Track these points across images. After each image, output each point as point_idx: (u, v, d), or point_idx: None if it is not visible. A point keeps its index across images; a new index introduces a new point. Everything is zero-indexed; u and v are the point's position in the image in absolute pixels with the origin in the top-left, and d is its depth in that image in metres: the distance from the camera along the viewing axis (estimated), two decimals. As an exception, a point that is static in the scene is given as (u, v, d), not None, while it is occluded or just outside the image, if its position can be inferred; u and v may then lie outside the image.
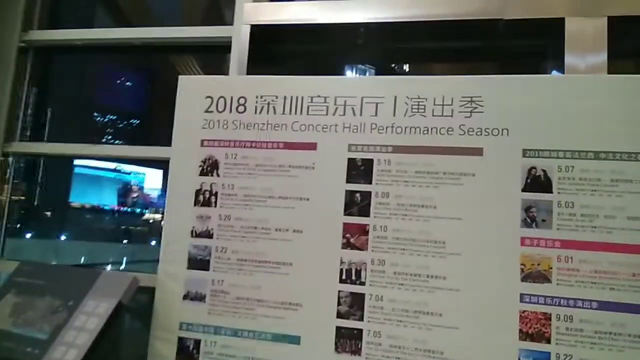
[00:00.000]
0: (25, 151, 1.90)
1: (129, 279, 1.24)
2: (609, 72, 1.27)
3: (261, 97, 1.30)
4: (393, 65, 1.61)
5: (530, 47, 1.47)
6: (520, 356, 1.05)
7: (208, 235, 1.28)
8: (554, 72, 1.38)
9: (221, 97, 1.33)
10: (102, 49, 1.97)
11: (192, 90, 1.37)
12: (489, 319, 1.08)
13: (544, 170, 1.11)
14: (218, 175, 1.30)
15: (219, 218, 1.28)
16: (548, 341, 1.04)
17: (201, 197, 1.30)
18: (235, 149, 1.30)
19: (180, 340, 1.25)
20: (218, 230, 1.27)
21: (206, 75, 1.59)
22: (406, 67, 1.64)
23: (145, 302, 1.36)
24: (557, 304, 1.05)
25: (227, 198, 1.29)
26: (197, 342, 1.24)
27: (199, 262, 1.27)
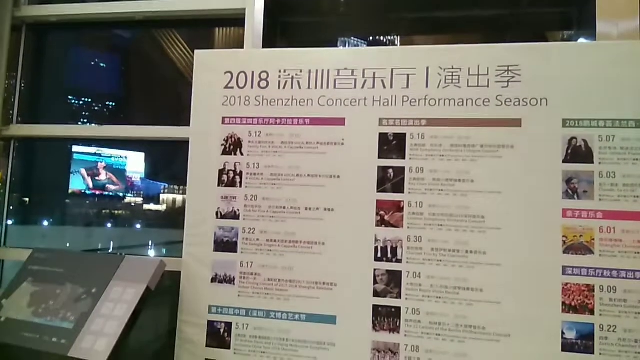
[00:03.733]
0: (25, 134, 1.81)
1: (156, 263, 1.19)
2: (642, 38, 1.24)
3: (284, 71, 1.25)
4: (418, 35, 1.55)
5: (559, 15, 1.42)
6: (563, 328, 1.04)
7: (234, 216, 1.23)
8: (583, 40, 1.34)
9: (241, 72, 1.27)
10: (87, 25, 1.86)
11: (210, 65, 1.30)
12: (531, 292, 1.06)
13: (584, 141, 1.08)
14: (242, 154, 1.25)
15: (245, 198, 1.23)
16: (592, 312, 1.03)
17: (225, 177, 1.25)
18: (259, 126, 1.25)
19: (210, 324, 1.22)
20: (244, 210, 1.23)
21: (225, 50, 1.51)
22: (434, 38, 1.58)
23: (169, 287, 1.32)
24: (600, 275, 1.04)
25: (252, 177, 1.24)
26: (228, 325, 1.21)
27: (225, 244, 1.23)
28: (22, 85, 1.88)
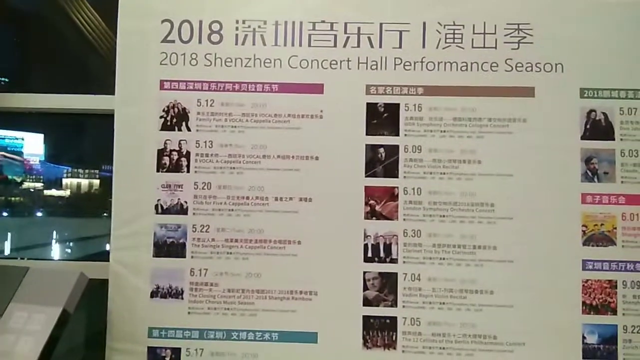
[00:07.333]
0: None
1: (74, 276, 0.88)
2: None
3: (243, 21, 0.98)
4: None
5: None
6: (584, 332, 0.90)
7: (180, 210, 0.96)
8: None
9: (185, 21, 0.98)
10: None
11: (141, 9, 0.99)
12: (548, 292, 0.91)
13: (604, 114, 0.94)
14: (189, 129, 0.97)
15: (194, 187, 0.96)
16: (614, 312, 0.90)
17: (166, 160, 0.97)
18: (210, 92, 0.97)
19: (152, 350, 0.95)
20: (194, 202, 0.96)
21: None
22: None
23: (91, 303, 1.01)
24: (622, 269, 0.91)
25: (204, 160, 0.96)
26: (176, 352, 0.94)
27: (170, 247, 0.96)
28: None
